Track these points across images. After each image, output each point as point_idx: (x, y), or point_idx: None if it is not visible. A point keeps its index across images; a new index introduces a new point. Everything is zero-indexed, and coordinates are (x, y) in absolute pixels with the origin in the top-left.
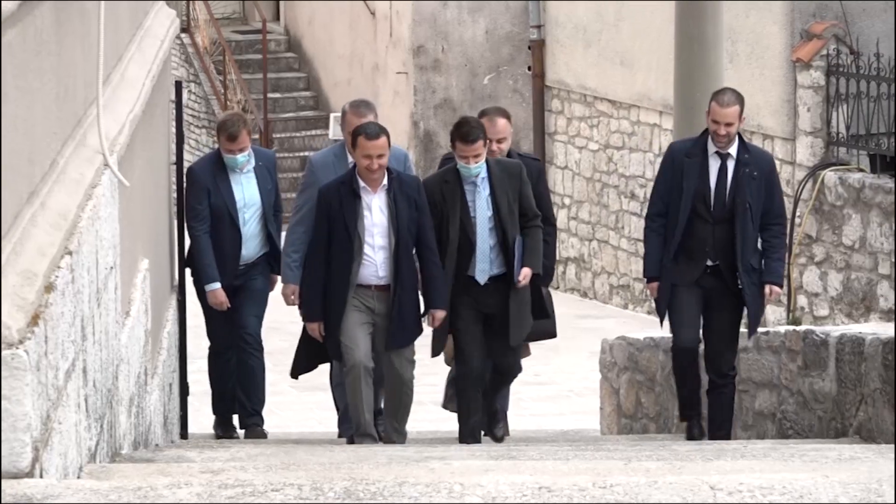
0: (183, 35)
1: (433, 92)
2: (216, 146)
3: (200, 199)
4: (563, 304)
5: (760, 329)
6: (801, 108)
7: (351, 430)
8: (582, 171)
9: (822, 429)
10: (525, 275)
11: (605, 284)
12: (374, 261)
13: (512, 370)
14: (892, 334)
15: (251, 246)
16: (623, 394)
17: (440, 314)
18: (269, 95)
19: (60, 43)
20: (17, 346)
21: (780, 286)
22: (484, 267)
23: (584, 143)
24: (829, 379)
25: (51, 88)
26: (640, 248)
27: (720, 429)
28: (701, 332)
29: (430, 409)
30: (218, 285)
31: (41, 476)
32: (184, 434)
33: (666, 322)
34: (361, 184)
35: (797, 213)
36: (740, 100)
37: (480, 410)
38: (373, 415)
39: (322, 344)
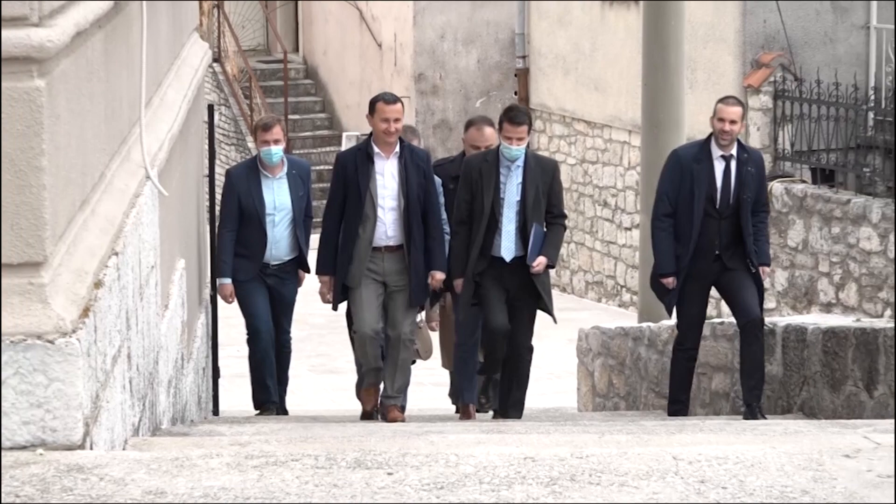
0: (215, 64)
1: (432, 114)
2: (244, 161)
3: (231, 201)
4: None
5: (716, 320)
6: (752, 127)
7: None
8: None
9: (770, 406)
10: (539, 262)
11: (581, 281)
12: (384, 222)
13: (525, 345)
14: (832, 324)
15: (280, 247)
16: (597, 376)
17: (439, 275)
18: (290, 117)
19: (108, 70)
20: (71, 335)
21: (769, 266)
22: (509, 245)
23: (563, 158)
24: (776, 363)
25: (100, 110)
26: (612, 249)
27: (754, 387)
28: (724, 303)
29: (428, 390)
30: (228, 280)
31: (91, 448)
32: (215, 412)
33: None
34: (376, 150)
35: None
36: (742, 104)
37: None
38: (379, 366)
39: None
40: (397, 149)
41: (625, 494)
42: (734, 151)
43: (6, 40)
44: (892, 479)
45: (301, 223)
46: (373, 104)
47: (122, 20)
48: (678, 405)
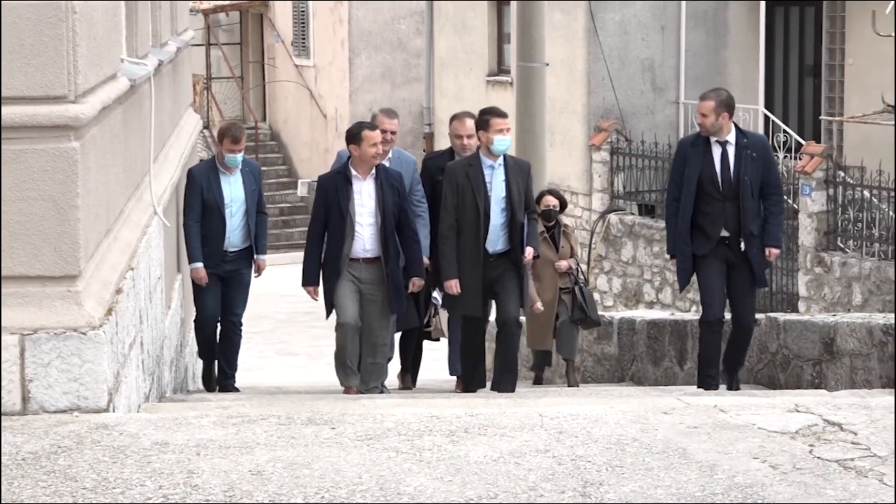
0: (205, 130)
1: None
2: (205, 161)
3: (194, 196)
4: None
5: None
6: (594, 174)
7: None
8: None
9: (609, 377)
10: (529, 253)
11: None
12: (363, 237)
13: (515, 318)
14: (654, 317)
15: (236, 235)
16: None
17: (419, 282)
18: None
19: (126, 135)
20: (98, 329)
21: (779, 248)
22: (494, 239)
23: None
24: (613, 345)
25: (120, 164)
26: None
27: (734, 369)
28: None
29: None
30: (200, 264)
31: (113, 411)
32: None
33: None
34: (354, 173)
35: (593, 241)
36: (718, 98)
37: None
38: (354, 368)
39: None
40: (373, 171)
41: (505, 442)
42: (730, 137)
43: (51, 113)
44: (699, 429)
45: (253, 216)
46: (357, 133)
47: (136, 98)
48: (709, 380)
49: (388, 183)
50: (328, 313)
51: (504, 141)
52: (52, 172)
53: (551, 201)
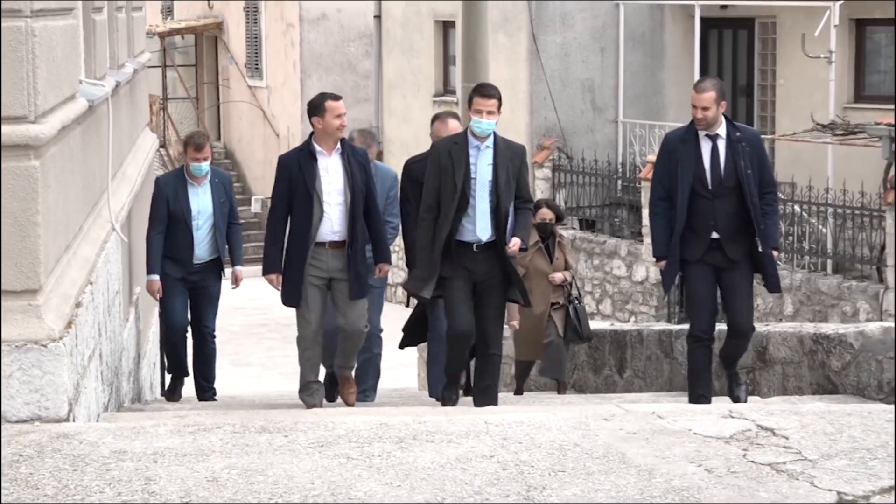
0: (161, 149)
1: None
2: (172, 171)
3: (160, 206)
4: (395, 310)
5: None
6: (537, 191)
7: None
8: None
9: (552, 385)
10: (515, 243)
11: None
12: (331, 217)
13: (495, 346)
14: (594, 327)
15: (202, 248)
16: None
17: (386, 267)
18: None
19: (85, 153)
20: (59, 341)
21: (778, 249)
22: (484, 226)
23: None
24: None
25: (79, 182)
26: None
27: (731, 367)
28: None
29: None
30: (156, 277)
31: (73, 420)
32: (162, 394)
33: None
34: (318, 148)
35: None
36: (717, 86)
37: (465, 367)
38: (317, 379)
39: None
40: (339, 146)
41: (451, 448)
42: (720, 131)
43: (11, 132)
44: (637, 435)
45: (222, 228)
46: (319, 105)
47: (95, 118)
48: (702, 400)
49: (354, 159)
50: (288, 302)
51: (481, 124)
52: (13, 190)
53: (547, 214)
